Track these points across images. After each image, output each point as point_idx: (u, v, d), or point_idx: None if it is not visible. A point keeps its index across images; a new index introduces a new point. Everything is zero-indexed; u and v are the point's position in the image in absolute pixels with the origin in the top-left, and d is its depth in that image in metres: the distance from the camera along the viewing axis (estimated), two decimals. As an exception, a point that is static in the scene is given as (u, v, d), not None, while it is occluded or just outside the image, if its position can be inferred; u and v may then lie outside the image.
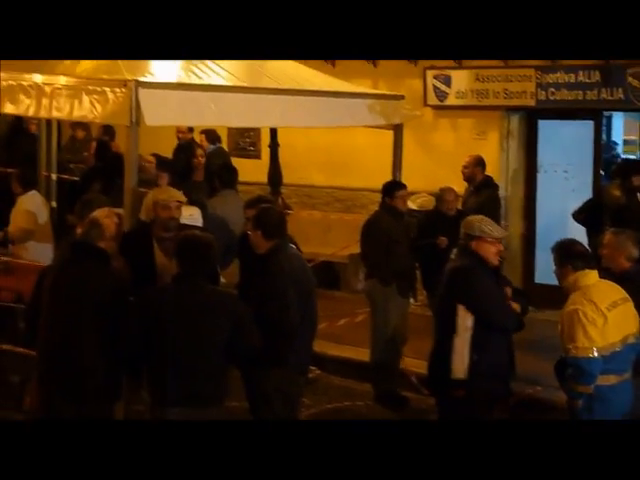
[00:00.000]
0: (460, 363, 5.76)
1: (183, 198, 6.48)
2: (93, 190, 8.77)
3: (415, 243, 8.49)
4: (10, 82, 6.53)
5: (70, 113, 6.34)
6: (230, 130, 12.56)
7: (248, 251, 6.04)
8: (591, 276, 5.58)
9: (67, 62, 6.65)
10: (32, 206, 8.54)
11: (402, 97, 8.70)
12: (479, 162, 9.56)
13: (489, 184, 9.56)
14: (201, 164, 10.09)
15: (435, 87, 11.23)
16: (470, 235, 5.87)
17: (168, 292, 5.40)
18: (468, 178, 9.55)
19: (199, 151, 10.39)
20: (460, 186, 9.43)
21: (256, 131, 12.61)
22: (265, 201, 6.59)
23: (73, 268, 5.56)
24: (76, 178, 10.27)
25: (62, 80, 6.39)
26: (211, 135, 11.39)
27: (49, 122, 10.00)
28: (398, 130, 8.65)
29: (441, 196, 8.76)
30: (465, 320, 5.77)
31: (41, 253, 8.25)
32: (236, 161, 10.77)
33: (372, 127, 8.85)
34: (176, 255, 5.43)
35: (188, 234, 5.59)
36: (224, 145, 12.08)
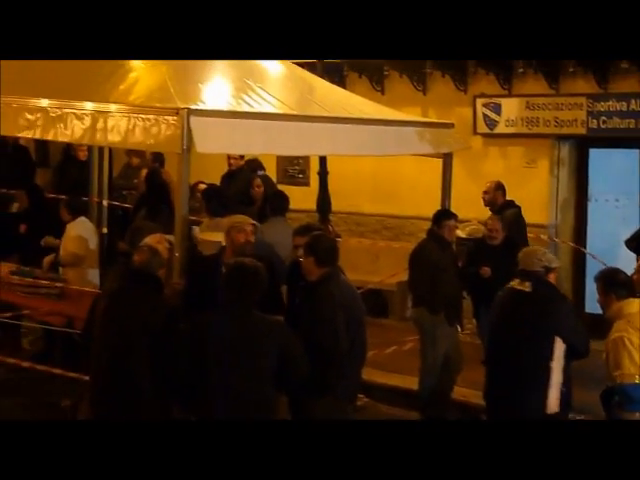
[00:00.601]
0: (555, 396, 5.77)
1: (255, 222, 6.57)
2: (139, 216, 8.88)
3: (462, 271, 8.49)
4: (65, 110, 6.61)
5: (123, 140, 6.40)
6: (279, 157, 12.61)
7: (297, 278, 6.05)
8: (635, 304, 5.54)
9: (121, 89, 6.74)
10: (82, 232, 8.65)
11: (452, 125, 8.66)
12: (499, 187, 9.61)
13: (511, 205, 9.55)
14: (259, 194, 10.11)
15: (485, 115, 11.20)
16: (548, 267, 5.97)
17: (216, 320, 5.41)
18: (489, 203, 9.57)
19: (257, 181, 10.39)
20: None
21: (305, 158, 12.64)
22: (314, 229, 6.61)
23: (127, 295, 5.59)
24: (127, 205, 10.38)
25: (115, 108, 6.45)
26: (253, 163, 11.44)
27: (100, 149, 10.12)
28: (448, 159, 8.62)
29: (487, 225, 8.79)
30: (560, 350, 5.81)
31: (88, 278, 8.36)
32: (285, 188, 10.78)
33: (421, 155, 8.85)
34: (224, 283, 5.45)
35: (235, 262, 5.60)
36: (272, 173, 12.13)
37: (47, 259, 8.80)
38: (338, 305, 5.68)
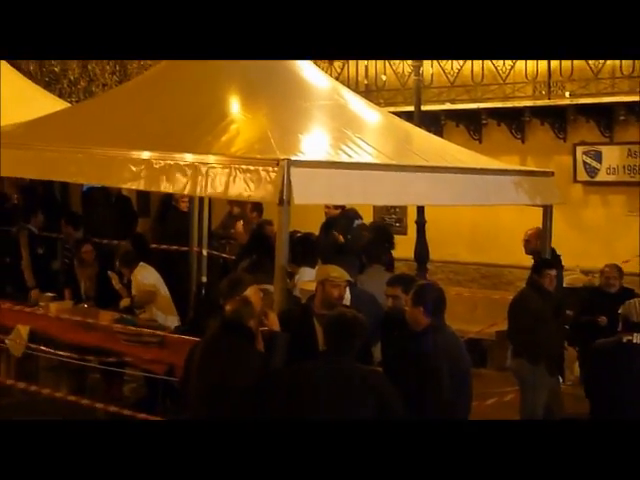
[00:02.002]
0: None
1: (350, 278, 6.54)
2: (241, 267, 8.96)
3: (575, 321, 8.35)
4: (168, 162, 6.74)
5: (224, 191, 6.49)
6: (375, 206, 12.65)
7: (395, 328, 6.02)
8: None
9: (222, 140, 6.84)
10: (145, 276, 8.85)
11: (551, 174, 8.50)
12: (539, 235, 9.28)
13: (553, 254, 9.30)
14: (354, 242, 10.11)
15: (585, 163, 11.09)
16: None
17: (313, 370, 5.40)
18: (532, 251, 9.36)
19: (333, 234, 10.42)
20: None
21: (402, 207, 12.66)
22: (408, 279, 6.59)
23: (220, 344, 5.65)
24: (226, 255, 10.50)
25: (217, 159, 6.56)
26: (350, 213, 11.46)
27: (201, 199, 10.30)
28: (548, 207, 8.48)
29: (604, 272, 8.63)
30: None
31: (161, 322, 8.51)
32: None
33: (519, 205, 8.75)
34: (324, 332, 5.47)
35: (336, 312, 5.62)
36: (370, 221, 12.14)
37: (123, 302, 9.00)
38: (444, 356, 5.63)
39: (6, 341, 8.27)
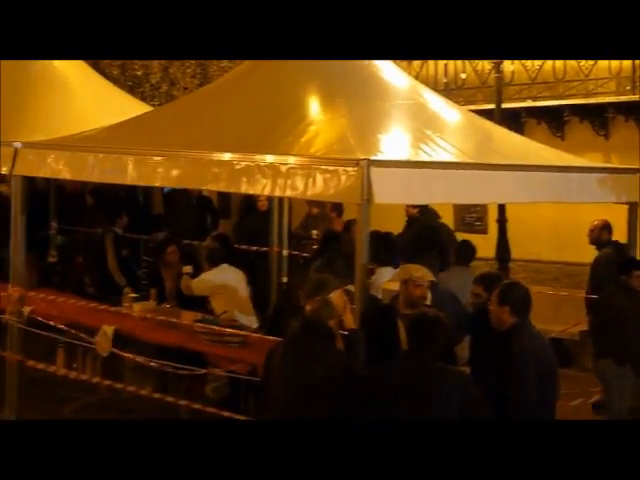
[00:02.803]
0: None
1: (433, 278, 6.53)
2: (313, 267, 8.99)
3: None
4: (248, 163, 6.80)
5: (304, 192, 6.52)
6: (456, 205, 12.57)
7: (482, 327, 5.98)
8: None
9: (302, 141, 6.87)
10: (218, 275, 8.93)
11: (637, 171, 8.34)
12: (605, 226, 9.79)
13: (611, 244, 9.63)
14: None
15: (673, 159, 10.84)
16: None
17: (395, 370, 5.41)
18: (594, 241, 9.82)
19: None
20: None
21: (482, 206, 12.58)
22: (494, 277, 6.53)
23: (299, 344, 5.68)
24: (307, 254, 10.55)
25: (297, 160, 6.59)
26: (430, 212, 11.42)
27: (280, 199, 10.36)
28: (633, 205, 8.33)
29: None
30: None
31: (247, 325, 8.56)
32: (462, 236, 10.73)
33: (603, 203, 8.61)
34: (406, 333, 5.46)
35: (417, 312, 5.61)
36: (450, 220, 12.09)
37: (185, 268, 9.14)
38: (529, 356, 5.57)
39: (93, 341, 8.42)
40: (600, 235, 9.67)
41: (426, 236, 10.11)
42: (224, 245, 9.66)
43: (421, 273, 6.42)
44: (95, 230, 11.25)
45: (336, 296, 5.97)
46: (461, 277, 8.19)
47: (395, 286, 6.70)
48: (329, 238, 9.43)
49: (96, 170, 7.87)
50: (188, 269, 9.25)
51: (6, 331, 8.78)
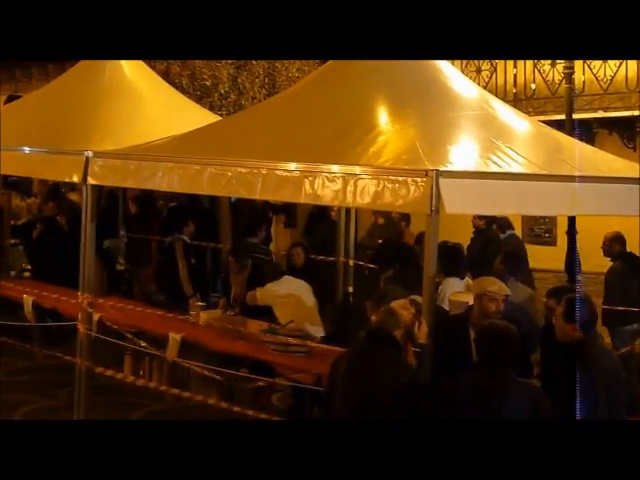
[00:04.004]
0: None
1: (509, 292, 6.48)
2: (384, 278, 8.96)
3: None
4: (316, 173, 6.79)
5: (372, 202, 6.50)
6: (524, 216, 12.44)
7: (553, 341, 5.91)
8: None
9: (370, 152, 6.85)
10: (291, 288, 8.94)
11: None
12: (615, 238, 9.91)
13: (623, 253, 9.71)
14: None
15: None
16: None
17: (464, 382, 5.36)
18: (606, 253, 9.92)
19: None
20: None
21: (551, 217, 12.41)
22: (568, 290, 6.45)
23: (365, 354, 5.66)
24: (372, 265, 10.53)
25: (365, 170, 6.57)
26: (502, 223, 11.33)
27: (348, 210, 10.35)
28: None
29: None
30: None
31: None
32: (530, 248, 10.64)
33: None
34: (475, 344, 5.42)
35: (487, 323, 5.56)
36: (518, 231, 11.97)
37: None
38: (596, 370, 5.49)
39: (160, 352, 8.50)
40: (611, 247, 9.77)
41: (492, 248, 10.05)
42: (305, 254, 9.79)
43: (496, 287, 6.40)
44: (163, 238, 11.36)
45: (400, 306, 5.93)
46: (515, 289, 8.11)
47: (463, 297, 6.66)
48: (399, 248, 9.40)
49: (165, 179, 7.93)
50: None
51: (76, 337, 8.90)
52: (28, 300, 10.08)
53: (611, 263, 10.10)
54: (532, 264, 10.31)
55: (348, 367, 5.68)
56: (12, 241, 13.11)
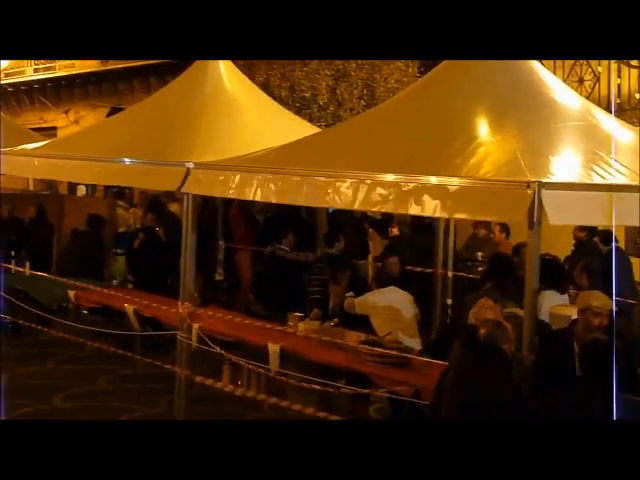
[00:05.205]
0: None
1: (614, 307, 6.40)
2: (483, 290, 8.87)
3: None
4: (416, 184, 6.76)
5: (472, 213, 6.47)
6: (627, 227, 12.20)
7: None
8: None
9: (471, 163, 6.80)
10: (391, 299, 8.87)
11: None
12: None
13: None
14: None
15: None
16: None
17: (569, 397, 5.28)
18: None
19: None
20: None
21: (656, 230, 12.14)
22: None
23: (475, 369, 5.59)
24: (472, 276, 10.43)
25: (465, 181, 6.53)
26: (605, 235, 11.10)
27: (447, 221, 10.29)
28: None
29: None
30: None
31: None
32: (635, 260, 10.41)
33: None
34: (578, 359, 5.34)
35: (590, 338, 5.47)
36: (621, 243, 11.73)
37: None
38: None
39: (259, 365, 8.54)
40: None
41: (593, 262, 9.86)
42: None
43: (600, 302, 6.30)
44: (262, 249, 11.46)
45: (484, 307, 5.87)
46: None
47: (566, 311, 6.56)
48: (500, 260, 9.30)
49: (264, 190, 8.00)
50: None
51: (175, 346, 9.03)
52: (130, 309, 10.26)
53: None
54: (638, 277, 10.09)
55: (456, 381, 5.63)
56: (116, 250, 13.40)
